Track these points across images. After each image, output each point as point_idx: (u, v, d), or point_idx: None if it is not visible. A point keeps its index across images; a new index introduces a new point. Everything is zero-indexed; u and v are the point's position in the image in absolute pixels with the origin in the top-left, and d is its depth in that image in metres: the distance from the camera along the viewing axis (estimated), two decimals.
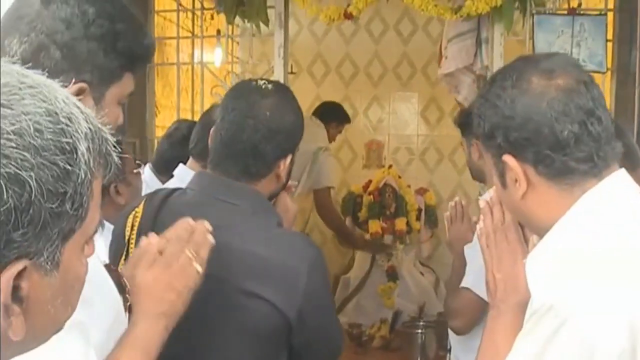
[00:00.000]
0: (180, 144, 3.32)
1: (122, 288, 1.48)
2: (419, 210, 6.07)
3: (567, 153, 1.39)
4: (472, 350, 2.55)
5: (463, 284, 2.55)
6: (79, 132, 0.84)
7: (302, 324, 1.85)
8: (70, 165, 0.82)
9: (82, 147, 0.83)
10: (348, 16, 4.16)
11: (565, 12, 4.16)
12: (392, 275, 5.76)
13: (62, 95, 0.85)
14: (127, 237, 1.91)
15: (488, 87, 1.50)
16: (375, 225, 5.90)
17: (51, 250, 0.83)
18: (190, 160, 2.98)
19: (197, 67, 4.82)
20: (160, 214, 1.93)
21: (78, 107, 0.86)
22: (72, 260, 0.88)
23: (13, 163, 0.76)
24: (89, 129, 0.86)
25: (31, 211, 0.79)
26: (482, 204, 1.67)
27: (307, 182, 5.52)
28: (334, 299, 5.90)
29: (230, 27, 4.69)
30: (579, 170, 1.40)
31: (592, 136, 1.39)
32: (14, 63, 0.87)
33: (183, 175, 2.87)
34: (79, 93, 1.35)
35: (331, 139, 5.80)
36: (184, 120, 3.99)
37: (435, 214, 6.23)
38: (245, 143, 1.90)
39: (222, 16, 4.46)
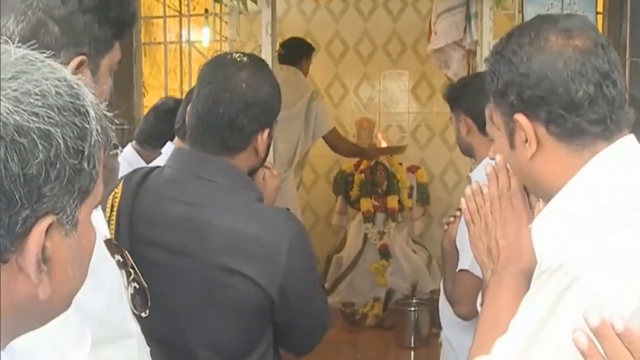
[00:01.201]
0: (166, 117, 3.29)
1: (123, 263, 1.47)
2: (411, 187, 6.07)
3: (580, 114, 1.38)
4: (462, 328, 2.56)
5: (461, 266, 2.51)
6: (88, 99, 0.90)
7: (285, 301, 1.84)
8: (86, 125, 0.88)
9: (93, 112, 0.89)
10: None
11: None
12: (385, 253, 5.77)
13: (66, 69, 0.91)
14: (107, 218, 1.89)
15: (504, 43, 1.48)
16: (367, 204, 5.90)
17: (72, 208, 0.88)
18: (176, 140, 2.95)
19: (185, 47, 4.78)
20: (138, 193, 1.91)
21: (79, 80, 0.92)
22: (86, 223, 0.93)
23: (42, 120, 0.82)
24: (93, 98, 0.92)
25: (58, 166, 0.84)
26: (488, 169, 1.64)
27: (307, 136, 5.61)
28: (327, 277, 5.92)
29: (218, 5, 4.65)
30: (591, 131, 1.39)
31: (607, 99, 1.38)
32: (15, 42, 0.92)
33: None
34: (79, 66, 1.36)
35: (306, 74, 5.77)
36: (171, 97, 3.97)
37: (427, 191, 6.24)
38: (222, 116, 1.88)
39: None
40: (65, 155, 0.85)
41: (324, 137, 5.73)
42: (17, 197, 0.81)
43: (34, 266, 0.84)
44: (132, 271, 1.49)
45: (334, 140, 5.77)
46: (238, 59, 1.95)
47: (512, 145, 1.49)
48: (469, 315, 2.47)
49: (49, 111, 0.83)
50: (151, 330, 1.53)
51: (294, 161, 5.55)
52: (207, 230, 1.81)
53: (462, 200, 1.69)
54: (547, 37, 1.41)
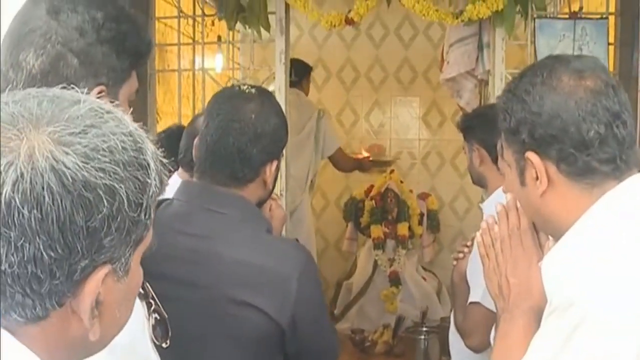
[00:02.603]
0: (167, 141, 3.26)
1: (144, 294, 1.48)
2: (421, 215, 6.07)
3: (590, 153, 1.40)
4: (470, 358, 2.55)
5: (472, 298, 2.51)
6: (149, 151, 0.94)
7: (295, 331, 1.85)
8: (147, 179, 0.92)
9: (153, 164, 0.93)
10: (349, 22, 4.14)
11: (567, 16, 4.15)
12: (395, 280, 5.75)
13: (129, 118, 0.95)
14: None
15: (517, 82, 1.51)
16: (377, 231, 5.90)
17: (127, 257, 0.92)
18: (180, 170, 2.96)
19: (198, 74, 4.81)
20: None
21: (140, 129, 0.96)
22: (136, 267, 0.97)
23: (109, 176, 0.86)
24: (153, 149, 0.96)
25: (119, 219, 0.88)
26: (498, 207, 1.65)
27: (317, 156, 5.63)
28: (337, 304, 5.90)
29: (231, 33, 4.69)
30: (601, 171, 1.41)
31: (617, 139, 1.40)
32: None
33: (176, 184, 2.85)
34: (99, 95, 1.39)
35: (307, 94, 5.79)
36: (176, 124, 3.98)
37: (437, 218, 6.23)
38: (232, 147, 1.90)
39: (223, 22, 4.45)
40: (127, 209, 0.88)
41: (330, 158, 5.80)
42: (78, 247, 0.85)
43: (88, 313, 0.89)
44: (152, 302, 1.50)
45: (339, 159, 5.84)
46: (246, 91, 1.98)
47: (522, 182, 1.51)
48: (480, 347, 2.47)
49: (115, 167, 0.87)
50: None
51: (307, 184, 5.56)
52: (215, 262, 1.82)
53: (477, 234, 1.70)
54: (560, 77, 1.43)
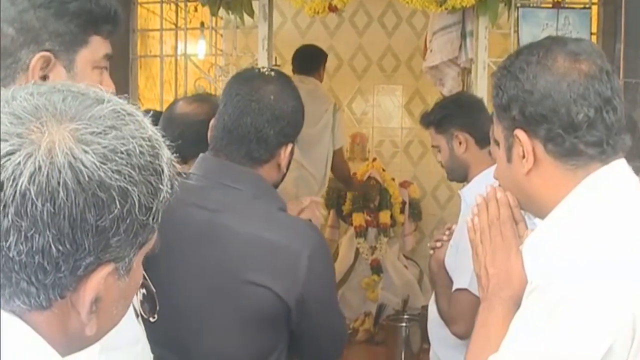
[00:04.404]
0: None
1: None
2: (403, 203, 6.08)
3: (578, 135, 1.42)
4: (453, 347, 2.55)
5: (459, 285, 2.49)
6: (165, 157, 0.96)
7: (301, 309, 1.85)
8: (160, 185, 0.94)
9: (166, 170, 0.96)
10: (333, 9, 4.13)
11: (550, 5, 4.16)
12: (376, 268, 5.76)
13: (149, 122, 0.97)
14: None
15: (512, 59, 1.52)
16: (359, 219, 5.90)
17: (131, 257, 0.94)
18: None
19: (181, 60, 4.79)
20: None
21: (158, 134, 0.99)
22: (137, 267, 0.99)
23: (124, 178, 0.88)
24: (168, 155, 0.98)
25: (128, 221, 0.90)
26: (478, 199, 1.66)
27: (330, 149, 5.36)
28: None
29: (214, 19, 4.66)
30: (587, 153, 1.43)
31: (606, 124, 1.42)
32: None
33: None
34: (46, 63, 1.39)
35: (321, 80, 5.59)
36: (150, 110, 3.94)
37: (419, 207, 6.24)
38: (249, 127, 1.90)
39: (206, 8, 4.43)
40: (137, 212, 0.90)
41: (334, 155, 5.60)
42: (86, 244, 0.87)
43: (87, 308, 0.91)
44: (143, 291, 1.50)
45: (337, 160, 5.54)
46: (266, 73, 2.00)
47: (509, 159, 1.53)
48: (466, 334, 2.44)
49: (130, 170, 0.89)
50: (159, 337, 1.53)
51: (325, 178, 5.39)
52: (227, 236, 1.82)
53: (468, 219, 1.71)
54: (555, 58, 1.45)
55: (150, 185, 0.92)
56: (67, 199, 0.84)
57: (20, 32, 1.38)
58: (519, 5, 4.13)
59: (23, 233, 0.84)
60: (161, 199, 0.95)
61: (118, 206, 0.88)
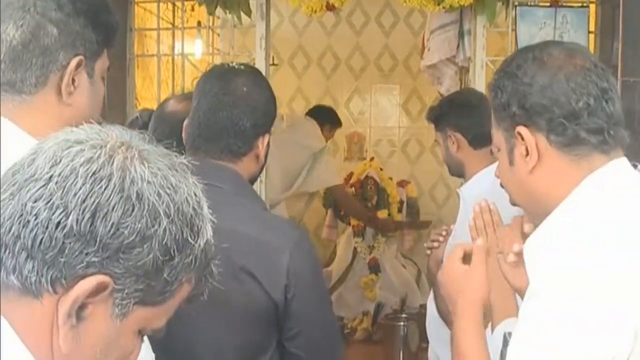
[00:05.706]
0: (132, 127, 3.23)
1: None
2: (401, 202, 6.07)
3: (579, 122, 1.42)
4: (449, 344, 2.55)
5: None
6: (207, 232, 1.01)
7: (289, 306, 1.85)
8: (189, 240, 0.95)
9: (202, 242, 0.98)
10: (330, 8, 4.12)
11: (548, 4, 4.15)
12: (374, 267, 5.76)
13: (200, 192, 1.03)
14: None
15: (508, 62, 1.54)
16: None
17: (129, 299, 0.93)
18: None
19: (178, 59, 4.77)
20: None
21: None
22: (130, 328, 0.96)
23: (161, 203, 0.92)
24: (209, 237, 1.01)
25: (145, 246, 0.91)
26: (477, 208, 1.68)
27: (306, 181, 5.47)
28: None
29: (211, 18, 4.65)
30: (589, 141, 1.43)
31: (605, 112, 1.43)
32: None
33: None
34: (78, 66, 1.46)
35: (326, 139, 5.72)
36: (145, 109, 3.92)
37: (417, 206, 6.24)
38: (226, 120, 1.92)
39: (203, 8, 4.41)
40: (157, 246, 0.92)
41: (333, 193, 5.77)
42: (97, 240, 0.89)
43: (66, 309, 0.90)
44: None
45: (340, 197, 5.76)
46: (236, 67, 2.03)
47: (511, 161, 1.53)
48: None
49: (170, 202, 0.93)
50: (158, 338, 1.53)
51: (287, 193, 5.42)
52: (215, 234, 1.81)
53: (470, 217, 1.71)
54: (551, 53, 1.47)
55: (181, 233, 0.94)
56: (103, 192, 0.88)
57: (63, 34, 1.45)
58: (516, 3, 4.12)
59: (52, 202, 0.87)
60: (185, 259, 0.95)
61: (144, 224, 0.90)
